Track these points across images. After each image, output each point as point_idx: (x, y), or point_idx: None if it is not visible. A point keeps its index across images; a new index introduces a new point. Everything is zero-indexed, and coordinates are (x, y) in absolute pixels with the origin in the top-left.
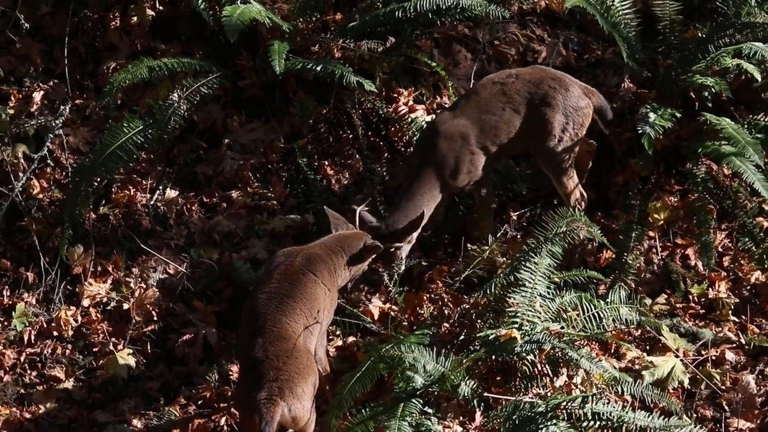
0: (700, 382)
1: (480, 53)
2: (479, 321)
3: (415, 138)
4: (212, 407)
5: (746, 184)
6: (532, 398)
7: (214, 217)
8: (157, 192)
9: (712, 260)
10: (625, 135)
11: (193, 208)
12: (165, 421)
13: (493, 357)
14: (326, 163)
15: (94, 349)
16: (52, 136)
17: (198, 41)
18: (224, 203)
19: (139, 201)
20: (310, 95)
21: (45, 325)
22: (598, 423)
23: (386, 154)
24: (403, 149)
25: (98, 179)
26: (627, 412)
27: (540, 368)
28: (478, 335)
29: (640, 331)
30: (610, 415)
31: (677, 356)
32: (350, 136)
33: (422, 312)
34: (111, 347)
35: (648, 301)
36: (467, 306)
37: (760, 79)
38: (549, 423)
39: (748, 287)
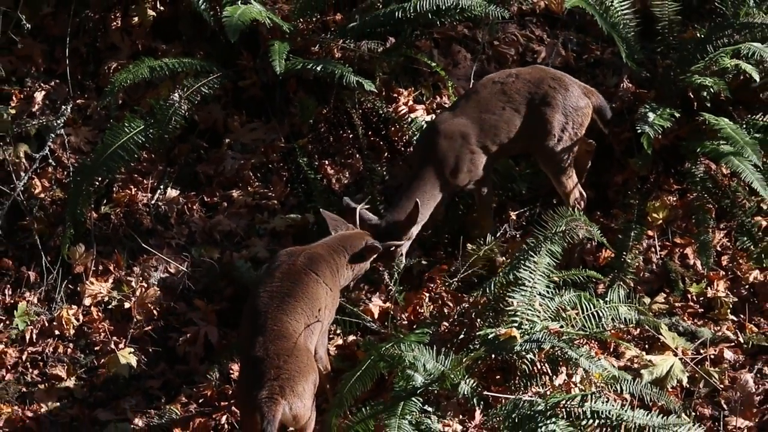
0: (698, 380)
1: (479, 53)
2: (479, 320)
3: (415, 138)
4: (213, 406)
5: (745, 183)
6: (531, 397)
7: (215, 216)
8: (158, 191)
9: (710, 259)
10: (624, 135)
11: (194, 207)
12: (166, 419)
13: (493, 356)
14: (326, 162)
15: (96, 348)
16: (53, 135)
17: (199, 41)
18: (225, 202)
19: (141, 200)
20: (311, 95)
21: (46, 324)
22: (597, 421)
23: (386, 154)
24: (403, 149)
25: (99, 179)
26: (626, 411)
27: (539, 367)
28: (477, 334)
29: (639, 329)
30: (609, 413)
31: (676, 355)
32: (350, 135)
33: (422, 311)
34: (112, 346)
35: (647, 300)
36: (467, 305)
37: (758, 79)
38: (548, 421)
39: (747, 286)
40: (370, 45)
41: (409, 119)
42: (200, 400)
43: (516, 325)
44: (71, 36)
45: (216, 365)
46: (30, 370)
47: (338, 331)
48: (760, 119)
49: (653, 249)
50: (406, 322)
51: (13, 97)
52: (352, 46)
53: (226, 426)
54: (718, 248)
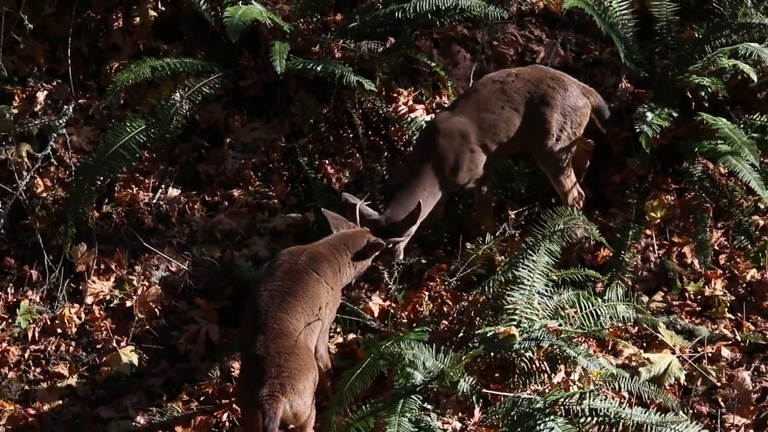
0: (696, 378)
1: (479, 53)
2: (478, 318)
3: (414, 137)
4: (214, 403)
5: (742, 182)
6: (530, 394)
7: (215, 215)
8: (160, 191)
9: (708, 258)
10: (623, 134)
11: (195, 206)
12: (168, 417)
13: (492, 354)
14: (327, 162)
15: (98, 346)
16: (55, 135)
17: (200, 42)
18: (226, 202)
19: (142, 199)
20: (311, 95)
21: (49, 323)
22: (595, 419)
23: (386, 153)
24: (402, 148)
25: (101, 178)
26: (624, 409)
27: (538, 365)
28: (476, 332)
29: (637, 328)
30: (608, 411)
31: (674, 353)
32: (350, 135)
33: (422, 309)
34: (114, 344)
35: (645, 298)
36: (466, 303)
37: (756, 79)
38: (547, 419)
39: (744, 285)
40: (370, 45)
41: (409, 119)
42: (201, 398)
43: (515, 323)
44: (73, 36)
45: (217, 363)
46: (32, 368)
47: (338, 330)
48: (758, 119)
49: (651, 248)
50: (405, 321)
51: (16, 97)
52: (353, 47)
53: (227, 423)
54: (716, 247)
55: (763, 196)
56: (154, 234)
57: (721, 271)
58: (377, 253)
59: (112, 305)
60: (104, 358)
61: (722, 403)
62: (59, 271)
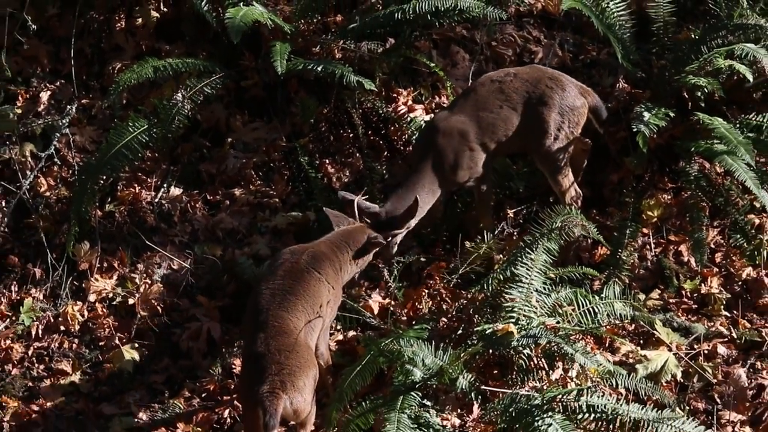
0: (692, 375)
1: (478, 54)
2: (477, 316)
3: (414, 137)
4: (216, 400)
5: (738, 182)
6: (528, 391)
7: (217, 214)
8: (162, 190)
9: (704, 256)
10: (620, 134)
11: (197, 205)
12: (170, 413)
13: (491, 351)
14: (327, 161)
15: (100, 343)
16: (58, 135)
17: (201, 42)
18: (227, 201)
19: (144, 198)
20: (312, 95)
21: (52, 320)
22: (592, 415)
23: (386, 153)
24: (402, 148)
25: (104, 177)
26: (621, 405)
27: (536, 362)
28: (475, 330)
29: (633, 325)
30: (605, 407)
31: (670, 350)
32: (350, 135)
33: (421, 307)
34: (117, 341)
35: (642, 296)
36: (465, 301)
37: (752, 80)
38: (545, 415)
39: (740, 283)
40: (370, 46)
41: (409, 119)
42: (203, 395)
43: (513, 320)
44: (76, 37)
45: (219, 360)
46: (36, 365)
47: (339, 327)
48: (754, 119)
49: (648, 246)
50: (405, 318)
51: (19, 97)
52: (353, 47)
53: (228, 420)
54: (712, 245)
55: (759, 195)
56: (156, 232)
57: (717, 269)
58: (378, 249)
59: (114, 303)
60: (107, 355)
61: (718, 400)
62: (62, 269)
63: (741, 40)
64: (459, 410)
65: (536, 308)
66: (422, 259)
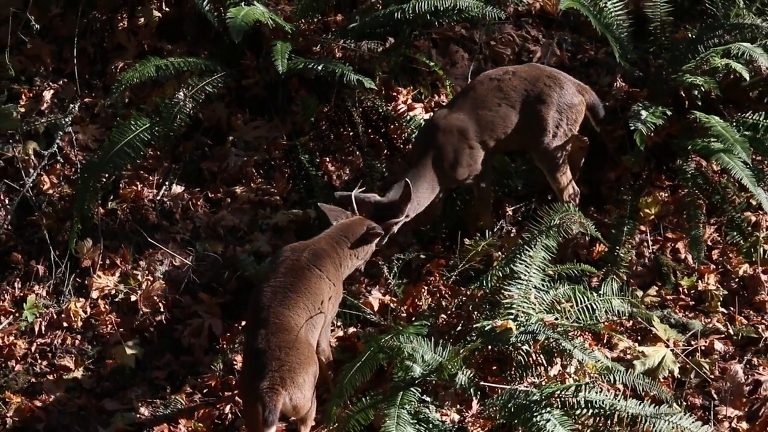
0: (689, 371)
1: (477, 53)
2: (476, 312)
3: (413, 135)
4: (217, 396)
5: (734, 179)
6: (527, 387)
7: (218, 211)
8: (164, 187)
9: (701, 253)
10: (617, 132)
11: (199, 203)
12: (171, 409)
13: (490, 347)
14: (327, 159)
15: (103, 340)
16: (61, 133)
17: (203, 42)
18: (229, 198)
19: (146, 196)
20: (312, 94)
21: (55, 317)
22: (590, 411)
23: (386, 151)
24: (402, 146)
25: (106, 175)
26: (619, 401)
27: (535, 358)
28: (474, 326)
29: (631, 322)
30: (603, 403)
31: (668, 346)
32: (351, 133)
33: (421, 303)
34: (119, 338)
35: (639, 293)
36: (464, 298)
37: (748, 78)
38: (543, 411)
39: (737, 280)
40: (370, 45)
41: (408, 117)
42: (205, 391)
43: (512, 317)
44: (79, 36)
45: (220, 356)
46: (39, 361)
47: (339, 323)
48: (750, 117)
49: (645, 243)
50: (405, 315)
51: (23, 96)
52: (353, 46)
53: (229, 416)
54: (709, 243)
55: (755, 193)
56: (158, 230)
57: (714, 266)
58: (378, 239)
59: (117, 299)
60: (109, 352)
61: (715, 396)
62: (65, 266)
63: (737, 39)
64: (458, 406)
65: (535, 305)
66: (422, 256)
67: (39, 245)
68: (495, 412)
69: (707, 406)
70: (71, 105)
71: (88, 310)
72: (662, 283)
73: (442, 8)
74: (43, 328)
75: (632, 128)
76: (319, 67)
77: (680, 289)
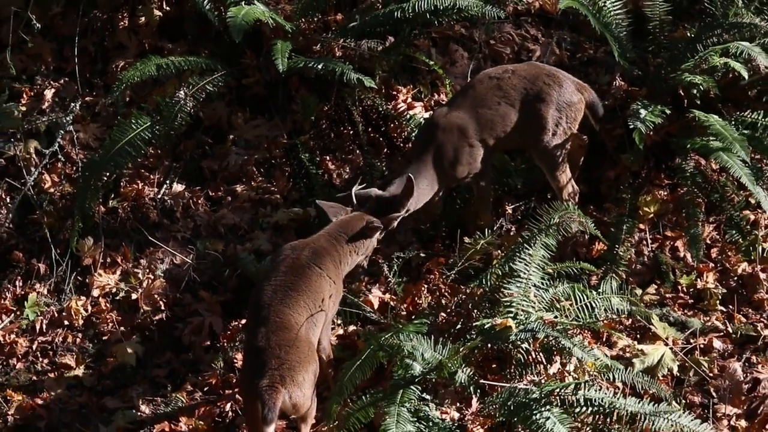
0: (688, 369)
1: (476, 52)
2: (475, 310)
3: (413, 134)
4: (218, 393)
5: (733, 178)
6: (526, 385)
7: (219, 210)
8: (164, 186)
9: (700, 252)
10: (616, 131)
11: (199, 201)
12: (172, 407)
13: (489, 345)
14: (327, 158)
15: (104, 338)
16: (62, 132)
17: (204, 41)
18: (229, 197)
19: (147, 195)
20: (312, 93)
21: (56, 315)
22: (590, 409)
23: (385, 150)
24: (402, 145)
25: (107, 174)
26: (618, 399)
27: (534, 356)
28: (474, 324)
29: (630, 320)
30: (602, 401)
31: (666, 344)
32: (351, 132)
33: (420, 302)
34: (120, 336)
35: (638, 291)
36: (464, 296)
37: (746, 77)
38: (543, 409)
39: (735, 278)
40: (370, 44)
41: (408, 116)
42: (205, 389)
43: (511, 315)
44: (80, 35)
45: (220, 354)
46: (40, 359)
47: (339, 322)
48: (749, 116)
49: (645, 242)
50: (405, 313)
51: (24, 95)
52: (353, 45)
53: (230, 413)
54: (708, 241)
55: (754, 192)
56: (159, 228)
57: (713, 265)
58: (377, 233)
59: (117, 298)
60: (110, 350)
61: (714, 394)
62: (66, 265)
63: (736, 38)
64: (458, 404)
65: (534, 303)
66: (422, 255)
67: (40, 244)
68: (495, 410)
69: (706, 404)
70: (72, 104)
71: (89, 308)
72: (661, 282)
73: (441, 7)
74: (44, 326)
75: (631, 127)
76: (319, 66)
77: (679, 287)
